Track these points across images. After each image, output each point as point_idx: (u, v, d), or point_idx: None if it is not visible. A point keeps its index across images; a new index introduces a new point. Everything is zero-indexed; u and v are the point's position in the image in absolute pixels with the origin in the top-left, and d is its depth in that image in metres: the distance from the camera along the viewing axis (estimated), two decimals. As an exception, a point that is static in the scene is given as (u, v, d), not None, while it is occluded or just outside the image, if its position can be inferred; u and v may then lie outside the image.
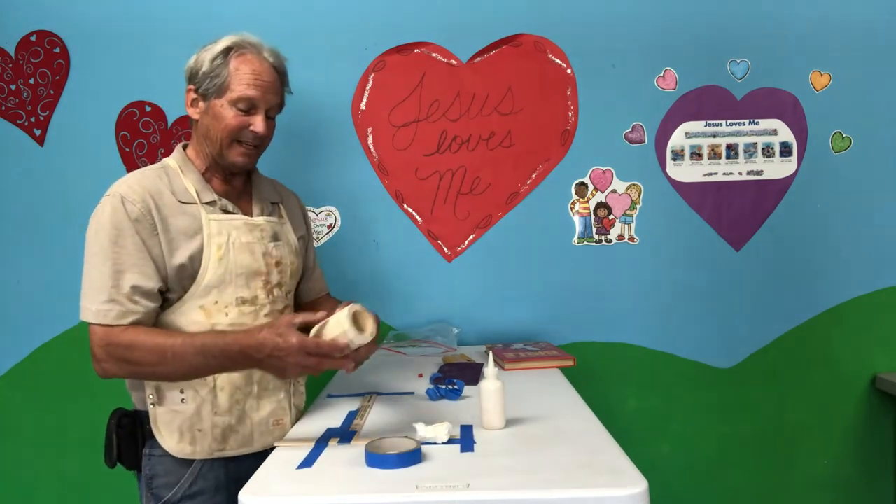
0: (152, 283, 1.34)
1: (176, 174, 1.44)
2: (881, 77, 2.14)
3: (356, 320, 1.21)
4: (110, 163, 2.10)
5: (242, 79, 1.41)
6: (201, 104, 1.44)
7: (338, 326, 1.19)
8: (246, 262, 1.43)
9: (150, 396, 1.38)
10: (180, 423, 1.37)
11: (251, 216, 1.49)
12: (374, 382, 1.68)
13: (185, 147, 1.51)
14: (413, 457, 1.10)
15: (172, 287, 1.38)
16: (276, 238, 1.51)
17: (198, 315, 1.38)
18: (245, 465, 1.36)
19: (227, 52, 1.42)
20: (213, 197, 1.44)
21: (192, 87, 1.45)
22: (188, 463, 1.39)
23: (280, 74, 1.48)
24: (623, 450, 1.13)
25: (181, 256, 1.36)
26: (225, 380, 1.39)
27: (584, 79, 2.14)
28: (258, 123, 1.43)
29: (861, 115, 2.14)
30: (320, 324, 1.21)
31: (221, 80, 1.41)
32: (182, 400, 1.38)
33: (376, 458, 1.09)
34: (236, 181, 1.51)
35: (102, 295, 1.31)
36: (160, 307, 1.38)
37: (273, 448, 1.25)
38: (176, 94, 2.08)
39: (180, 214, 1.39)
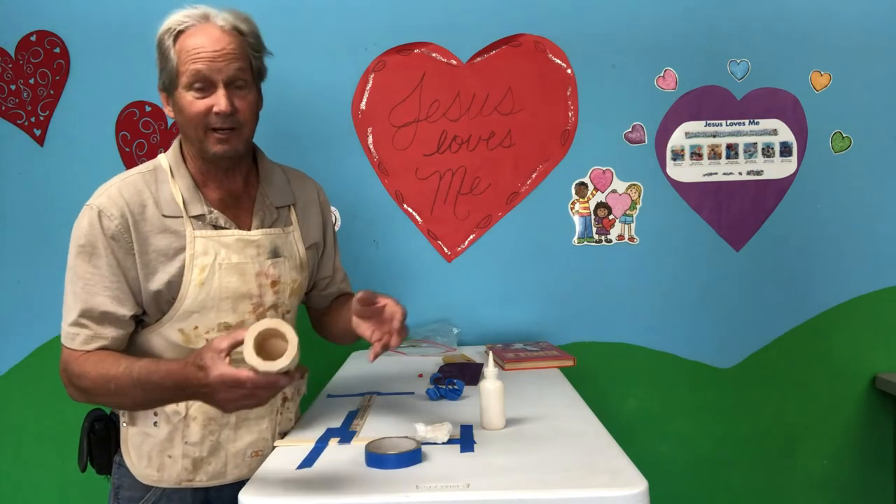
0: (124, 310, 1.23)
1: (165, 178, 1.30)
2: (881, 77, 2.14)
3: (267, 341, 1.01)
4: (110, 163, 2.10)
5: (187, 57, 1.23)
6: (169, 99, 1.30)
7: (245, 354, 0.98)
8: (233, 285, 1.29)
9: (123, 416, 1.31)
10: (150, 447, 1.30)
11: (248, 228, 1.33)
12: (374, 382, 1.68)
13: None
14: (413, 457, 1.10)
15: (148, 311, 1.27)
16: (275, 254, 1.35)
17: (176, 337, 1.28)
18: (214, 493, 1.32)
19: (168, 35, 1.26)
20: (202, 210, 1.29)
21: (159, 85, 1.32)
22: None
23: (240, 35, 1.28)
24: (623, 450, 1.13)
25: (158, 282, 1.25)
26: (198, 409, 1.28)
27: (584, 79, 2.14)
28: (219, 100, 1.23)
29: (861, 115, 2.14)
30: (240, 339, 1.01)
31: (172, 68, 1.25)
32: (155, 423, 1.29)
33: (376, 458, 1.09)
34: (234, 183, 1.35)
35: (71, 316, 1.22)
36: (138, 324, 1.29)
37: (247, 479, 1.18)
38: (176, 94, 2.10)
39: (161, 232, 1.26)
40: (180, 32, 1.26)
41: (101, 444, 1.35)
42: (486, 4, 2.12)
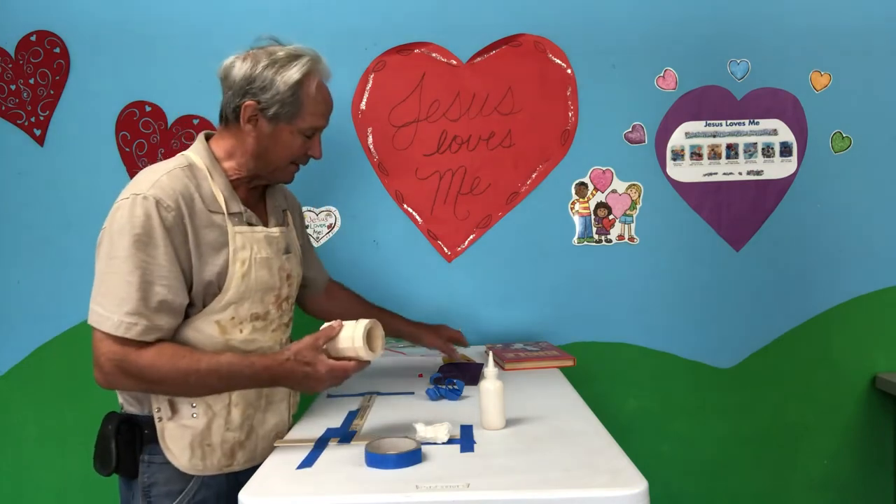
0: (181, 300, 1.28)
1: (204, 177, 1.35)
2: (881, 77, 2.14)
3: (368, 337, 1.25)
4: (110, 163, 2.10)
5: (317, 108, 1.40)
6: (263, 124, 1.36)
7: (349, 341, 1.24)
8: (264, 277, 1.39)
9: (158, 410, 1.31)
10: (191, 438, 1.32)
11: (267, 226, 1.44)
12: (374, 382, 1.68)
13: (206, 138, 1.42)
14: (413, 457, 1.10)
15: (195, 302, 1.32)
16: (287, 249, 1.48)
17: (212, 329, 1.33)
18: (243, 477, 1.30)
19: (308, 78, 1.37)
20: (239, 208, 1.38)
21: (253, 102, 1.34)
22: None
23: None
24: (623, 450, 1.13)
25: (210, 273, 1.31)
26: (239, 396, 1.35)
27: (584, 79, 2.14)
28: (317, 149, 1.44)
29: (861, 115, 2.14)
30: (333, 335, 1.26)
31: (296, 108, 1.36)
32: (193, 415, 1.33)
33: (376, 458, 1.09)
34: (257, 187, 1.47)
35: (127, 306, 1.23)
36: None
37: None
38: (176, 94, 2.10)
39: (208, 227, 1.32)
40: (310, 77, 1.38)
41: (127, 447, 1.34)
42: (486, 4, 2.12)
